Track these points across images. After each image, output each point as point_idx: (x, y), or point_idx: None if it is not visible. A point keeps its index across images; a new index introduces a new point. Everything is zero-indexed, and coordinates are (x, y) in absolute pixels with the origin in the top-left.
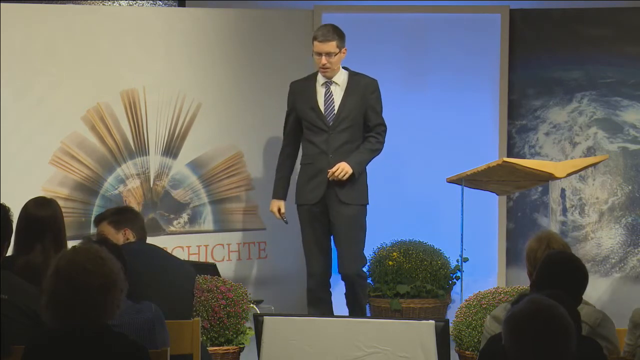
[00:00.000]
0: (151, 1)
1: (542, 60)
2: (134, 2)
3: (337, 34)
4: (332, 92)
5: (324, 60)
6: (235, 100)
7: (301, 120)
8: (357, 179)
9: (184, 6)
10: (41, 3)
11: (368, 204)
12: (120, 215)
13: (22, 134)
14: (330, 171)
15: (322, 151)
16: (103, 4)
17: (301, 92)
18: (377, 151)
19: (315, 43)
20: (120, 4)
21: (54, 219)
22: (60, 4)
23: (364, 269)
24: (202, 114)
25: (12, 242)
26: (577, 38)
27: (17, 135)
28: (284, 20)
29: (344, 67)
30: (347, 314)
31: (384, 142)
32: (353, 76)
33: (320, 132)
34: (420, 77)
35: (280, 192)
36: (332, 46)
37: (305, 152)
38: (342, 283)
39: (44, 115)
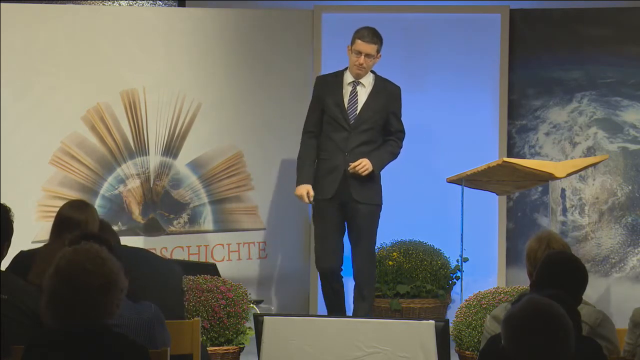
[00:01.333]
0: (151, 1)
1: (542, 60)
2: (134, 2)
3: (380, 39)
4: (358, 93)
5: (362, 60)
6: (235, 100)
7: (324, 113)
8: (373, 180)
9: (184, 6)
10: (41, 3)
11: (382, 204)
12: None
13: (22, 134)
14: (352, 164)
15: (339, 149)
16: (103, 4)
17: (328, 86)
18: (396, 155)
19: (359, 42)
20: (120, 4)
21: (86, 223)
22: (60, 4)
23: (374, 272)
24: (202, 114)
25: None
26: (577, 38)
27: (17, 135)
28: (283, 20)
29: (371, 70)
30: (352, 311)
31: (401, 146)
32: (379, 80)
33: (341, 129)
34: (420, 77)
35: (308, 177)
36: (373, 49)
37: (323, 147)
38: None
39: (44, 115)
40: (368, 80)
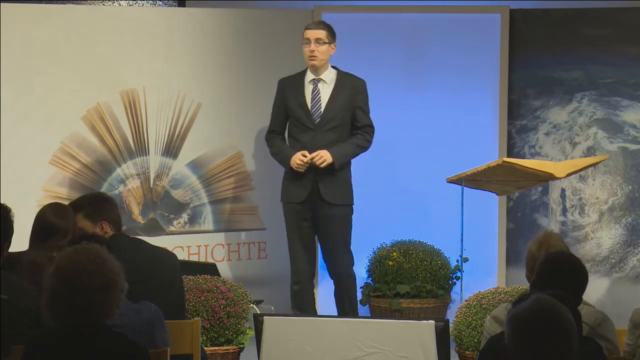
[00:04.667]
0: (151, 1)
1: (542, 60)
2: (134, 2)
3: (329, 27)
4: (320, 90)
5: (312, 46)
6: (235, 100)
7: (289, 116)
8: (342, 179)
9: (184, 6)
10: (41, 3)
11: (354, 204)
12: (96, 206)
13: (22, 134)
14: (309, 155)
15: (306, 150)
16: (103, 4)
17: (290, 88)
18: (363, 148)
19: (306, 31)
20: (120, 4)
21: (71, 230)
22: (60, 4)
23: (353, 268)
24: (202, 114)
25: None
26: (577, 38)
27: (17, 135)
28: (283, 20)
29: (333, 67)
30: (337, 314)
31: (371, 141)
32: (342, 75)
33: (307, 130)
34: (420, 77)
35: (291, 150)
36: (322, 34)
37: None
38: (332, 282)
39: (44, 115)
40: (330, 77)
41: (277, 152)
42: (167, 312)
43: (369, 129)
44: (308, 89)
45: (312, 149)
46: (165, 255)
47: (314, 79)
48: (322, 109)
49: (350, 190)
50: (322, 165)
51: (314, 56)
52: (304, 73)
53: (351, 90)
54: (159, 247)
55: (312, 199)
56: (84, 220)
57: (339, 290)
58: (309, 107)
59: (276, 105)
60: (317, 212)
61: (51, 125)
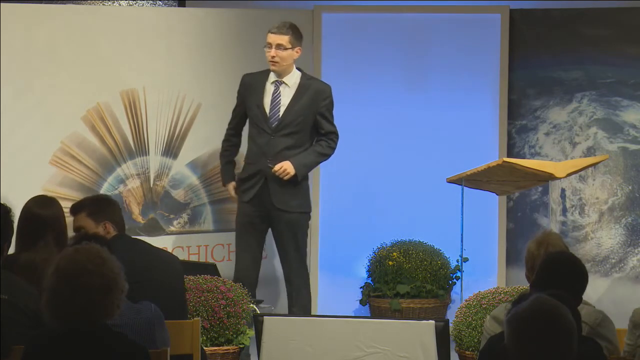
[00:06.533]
0: (151, 1)
1: (542, 60)
2: (134, 2)
3: (293, 30)
4: (281, 93)
5: (273, 52)
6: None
7: (247, 115)
8: (296, 186)
9: (184, 6)
10: (41, 3)
11: (310, 211)
12: (99, 206)
13: (22, 134)
14: (274, 168)
15: (262, 153)
16: (103, 4)
17: (251, 87)
18: (325, 156)
19: (268, 34)
20: (120, 4)
21: (56, 218)
22: (60, 4)
23: (305, 280)
24: (202, 114)
25: (13, 241)
26: (577, 38)
27: (17, 135)
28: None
29: (298, 69)
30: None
31: (335, 148)
32: (306, 79)
33: (263, 133)
34: (420, 77)
35: (228, 177)
36: (284, 39)
37: (249, 151)
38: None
39: (44, 115)
40: (292, 80)
41: (221, 169)
42: (168, 313)
43: (332, 136)
44: (269, 90)
45: (268, 154)
46: (167, 257)
47: (276, 81)
48: (281, 114)
49: (304, 198)
50: (285, 178)
51: (274, 62)
52: (267, 72)
53: (313, 95)
54: (160, 249)
55: (261, 200)
56: (86, 219)
57: (290, 298)
58: (267, 110)
59: (237, 101)
60: (270, 218)
61: (51, 125)
